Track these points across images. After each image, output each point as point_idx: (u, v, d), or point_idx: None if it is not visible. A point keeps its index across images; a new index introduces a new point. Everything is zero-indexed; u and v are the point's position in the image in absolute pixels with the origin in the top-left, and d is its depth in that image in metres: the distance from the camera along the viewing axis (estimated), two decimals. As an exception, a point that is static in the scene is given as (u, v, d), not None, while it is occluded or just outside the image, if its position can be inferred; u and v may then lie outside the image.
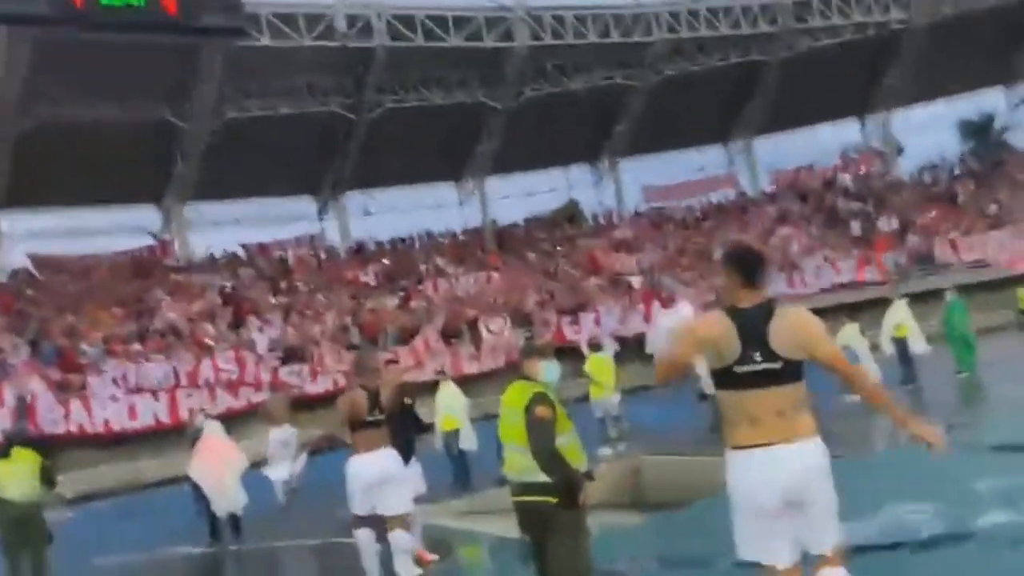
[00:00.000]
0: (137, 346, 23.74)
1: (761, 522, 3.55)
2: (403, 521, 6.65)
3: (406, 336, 25.50)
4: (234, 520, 10.77)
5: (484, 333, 25.27)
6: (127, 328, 25.02)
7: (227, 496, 10.28)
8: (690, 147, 41.04)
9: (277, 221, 38.33)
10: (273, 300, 28.08)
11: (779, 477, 3.52)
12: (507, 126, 35.52)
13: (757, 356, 3.57)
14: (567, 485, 4.47)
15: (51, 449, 20.94)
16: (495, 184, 40.51)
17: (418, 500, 7.60)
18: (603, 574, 5.72)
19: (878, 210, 34.08)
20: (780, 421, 3.55)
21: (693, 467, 11.13)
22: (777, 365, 3.59)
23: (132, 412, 21.52)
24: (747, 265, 3.81)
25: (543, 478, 4.47)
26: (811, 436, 3.64)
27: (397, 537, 6.60)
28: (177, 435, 21.43)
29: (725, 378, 3.67)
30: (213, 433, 10.80)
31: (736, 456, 3.65)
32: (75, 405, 21.23)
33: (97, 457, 20.91)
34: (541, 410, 4.58)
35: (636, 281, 29.05)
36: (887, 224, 32.44)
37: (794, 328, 3.66)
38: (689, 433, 13.17)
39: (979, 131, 42.32)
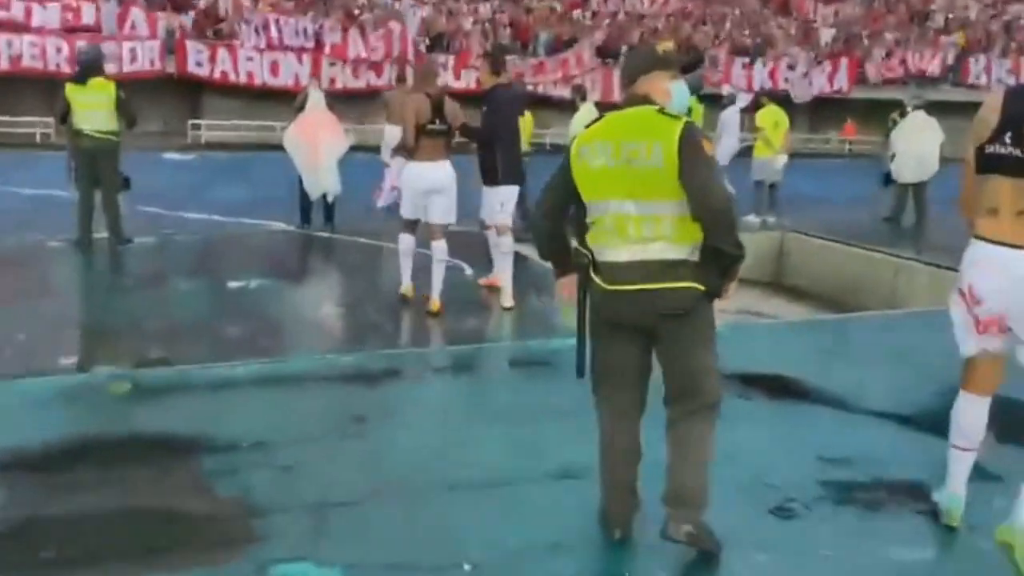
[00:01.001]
0: (287, 2, 22.94)
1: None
2: (442, 231, 6.51)
3: (558, 45, 23.72)
4: (327, 206, 9.63)
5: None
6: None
7: (319, 178, 9.16)
8: None
9: None
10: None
11: (1004, 283, 2.98)
12: None
13: (1008, 138, 2.96)
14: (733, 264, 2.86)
15: (198, 89, 21.57)
16: None
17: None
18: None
19: None
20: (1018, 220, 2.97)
21: (844, 258, 9.89)
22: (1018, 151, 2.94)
23: (274, 69, 21.22)
24: None
25: (684, 254, 2.81)
26: None
27: (438, 246, 6.45)
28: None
29: (978, 158, 3.08)
30: (317, 107, 9.26)
31: (974, 247, 3.10)
32: (221, 51, 21.02)
33: (235, 108, 21.05)
34: (708, 146, 2.90)
35: (828, 34, 25.70)
36: None
37: None
38: (859, 218, 11.49)
39: None
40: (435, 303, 6.35)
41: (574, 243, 3.10)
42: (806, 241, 10.47)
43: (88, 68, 8.21)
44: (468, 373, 5.36)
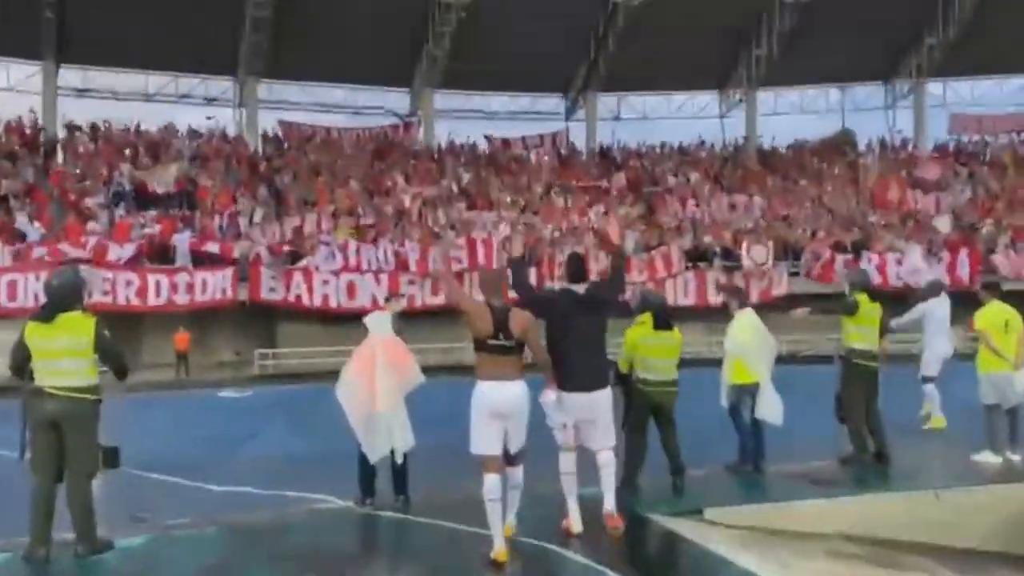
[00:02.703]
0: (366, 223, 22.39)
1: None
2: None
3: (647, 248, 22.38)
4: (396, 470, 6.58)
5: (745, 261, 21.57)
6: (359, 204, 23.77)
7: (379, 432, 6.20)
8: (1012, 73, 33.94)
9: (521, 118, 36.62)
10: (509, 198, 25.80)
11: None
12: (786, 29, 30.53)
13: None
14: None
15: (271, 316, 20.57)
16: (764, 98, 35.89)
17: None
18: None
19: None
20: None
21: None
22: None
23: (351, 290, 20.19)
24: None
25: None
26: None
27: (517, 473, 5.66)
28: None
29: None
30: (379, 330, 6.41)
31: None
32: (296, 276, 20.18)
33: (310, 334, 19.85)
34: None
35: (944, 224, 23.83)
36: None
37: None
38: None
39: None
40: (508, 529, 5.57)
41: None
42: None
43: (58, 299, 5.56)
44: None
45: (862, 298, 7.92)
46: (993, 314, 8.15)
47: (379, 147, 29.58)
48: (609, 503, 5.82)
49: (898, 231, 23.84)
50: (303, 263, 20.43)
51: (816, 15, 29.61)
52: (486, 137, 32.12)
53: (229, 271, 19.88)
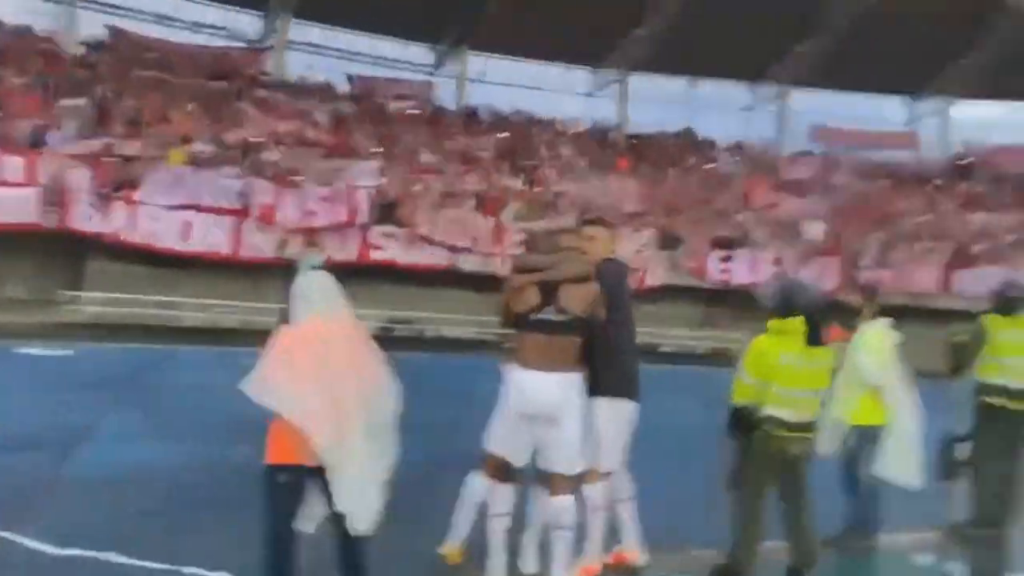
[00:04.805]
0: (207, 154, 19.12)
1: None
2: (574, 484, 4.34)
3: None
4: (346, 550, 3.81)
5: (626, 246, 20.24)
6: (199, 133, 20.38)
7: (346, 487, 3.60)
8: (870, 92, 34.99)
9: (385, 64, 33.82)
10: (373, 148, 23.17)
11: None
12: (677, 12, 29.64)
13: None
14: None
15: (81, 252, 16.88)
16: (639, 82, 35.09)
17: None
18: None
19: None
20: None
21: None
22: None
23: (187, 231, 17.02)
24: None
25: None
26: None
27: (559, 505, 4.28)
28: (232, 271, 17.18)
29: None
30: (331, 310, 3.80)
31: None
32: (118, 205, 16.76)
33: (132, 275, 16.60)
34: None
35: (816, 230, 23.63)
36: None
37: None
38: None
39: None
40: None
41: None
42: None
43: None
44: None
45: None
46: None
47: (225, 71, 25.93)
48: None
49: (774, 231, 23.42)
50: (128, 192, 17.00)
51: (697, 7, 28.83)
52: (349, 77, 29.10)
53: (31, 191, 16.18)
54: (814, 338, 4.54)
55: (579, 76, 36.08)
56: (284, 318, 4.32)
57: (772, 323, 4.65)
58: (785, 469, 4.60)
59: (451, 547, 4.65)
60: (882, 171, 31.87)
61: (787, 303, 4.62)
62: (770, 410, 4.54)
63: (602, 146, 30.09)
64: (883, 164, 32.48)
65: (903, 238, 24.77)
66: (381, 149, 23.20)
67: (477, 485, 4.55)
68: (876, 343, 5.42)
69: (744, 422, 4.60)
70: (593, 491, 4.50)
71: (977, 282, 23.52)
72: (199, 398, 8.73)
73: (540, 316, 4.29)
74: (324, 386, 3.47)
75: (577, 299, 4.30)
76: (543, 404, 4.28)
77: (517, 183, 23.39)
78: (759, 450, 4.55)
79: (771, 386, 4.54)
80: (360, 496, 3.55)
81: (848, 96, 34.91)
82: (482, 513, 4.54)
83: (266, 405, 3.47)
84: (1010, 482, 5.73)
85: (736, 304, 23.20)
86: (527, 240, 4.83)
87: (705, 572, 4.64)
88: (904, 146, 33.67)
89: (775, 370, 4.51)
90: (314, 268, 7.18)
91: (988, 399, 5.77)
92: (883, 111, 35.84)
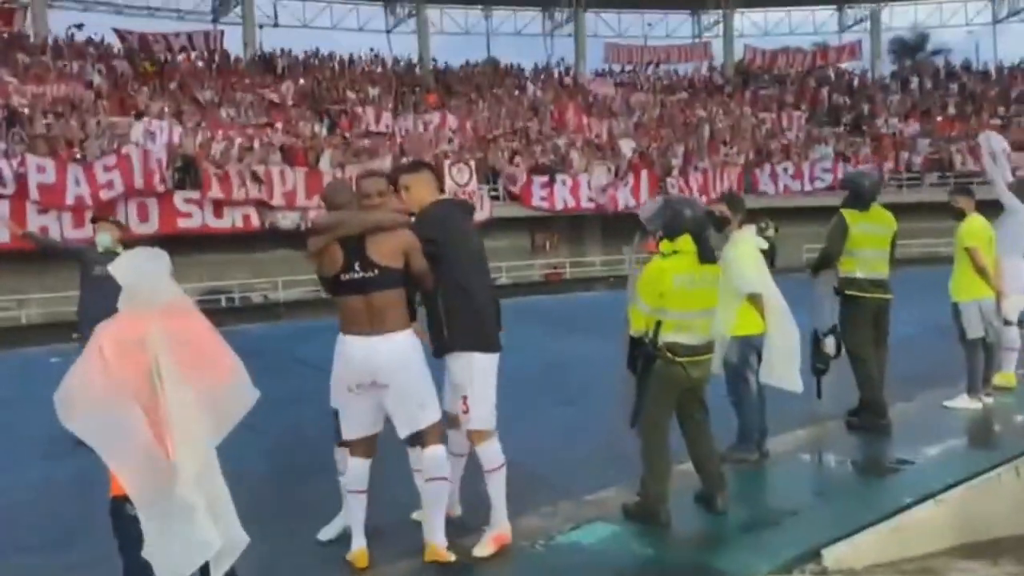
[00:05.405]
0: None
1: None
2: (438, 431, 4.03)
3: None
4: None
5: (449, 183, 19.74)
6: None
7: (187, 534, 2.59)
8: (656, 8, 36.05)
9: (160, 15, 31.04)
10: (158, 105, 21.17)
11: None
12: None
13: None
14: None
15: None
16: (434, 14, 34.25)
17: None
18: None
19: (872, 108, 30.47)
20: None
21: None
22: None
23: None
24: None
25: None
26: None
27: (430, 456, 3.98)
28: (14, 262, 15.27)
29: None
30: (154, 295, 2.73)
31: None
32: None
33: None
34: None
35: (628, 147, 24.06)
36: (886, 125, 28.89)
37: None
38: None
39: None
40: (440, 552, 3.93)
41: None
42: None
43: None
44: None
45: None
46: (981, 227, 6.49)
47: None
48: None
49: (590, 154, 23.68)
50: None
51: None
52: (117, 32, 26.38)
53: None
54: (705, 255, 4.35)
55: (373, 12, 34.83)
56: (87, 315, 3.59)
57: (663, 245, 4.38)
58: (686, 395, 4.41)
59: (355, 551, 4.07)
60: (679, 84, 33.09)
61: (674, 223, 4.36)
62: (669, 337, 4.30)
63: (409, 83, 29.19)
64: (679, 77, 33.70)
65: (705, 145, 25.83)
66: (168, 107, 21.27)
67: (358, 471, 4.05)
68: (749, 251, 5.29)
69: (644, 352, 4.37)
70: (484, 451, 4.13)
71: (774, 179, 25.15)
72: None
73: (349, 276, 3.88)
74: (148, 408, 2.71)
75: (385, 250, 3.88)
76: (372, 371, 3.88)
77: (323, 130, 22.21)
78: (662, 379, 4.31)
79: (666, 313, 4.30)
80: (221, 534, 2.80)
81: (637, 14, 35.77)
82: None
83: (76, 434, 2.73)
84: (881, 364, 6.00)
85: (561, 229, 23.51)
86: (323, 195, 4.28)
87: (617, 514, 4.41)
88: (697, 58, 34.94)
89: (669, 294, 4.26)
90: (105, 250, 6.23)
91: (850, 291, 5.89)
92: (671, 27, 37.00)
